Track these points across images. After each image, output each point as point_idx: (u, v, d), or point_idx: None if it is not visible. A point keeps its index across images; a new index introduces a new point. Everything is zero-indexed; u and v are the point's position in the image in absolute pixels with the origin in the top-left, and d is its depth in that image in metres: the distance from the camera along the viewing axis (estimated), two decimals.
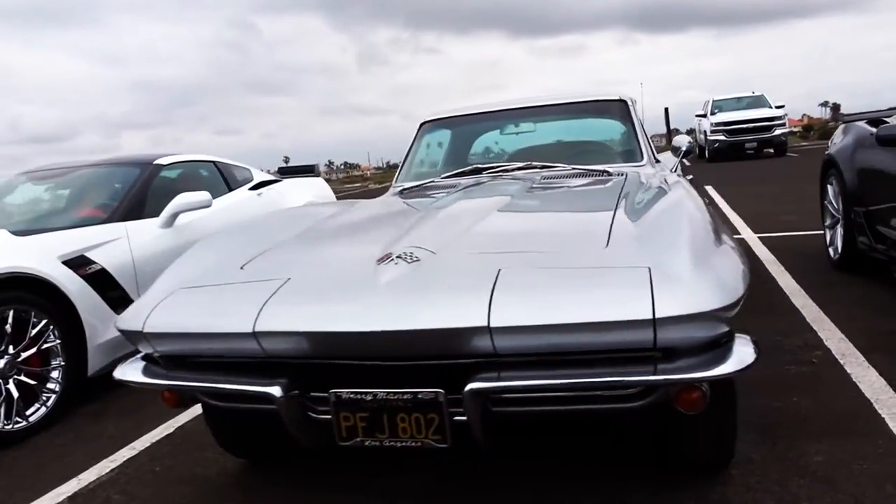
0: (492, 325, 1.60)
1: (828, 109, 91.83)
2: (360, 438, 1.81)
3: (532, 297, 1.65)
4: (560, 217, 2.41)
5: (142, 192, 4.17)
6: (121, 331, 2.00)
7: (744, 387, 2.73)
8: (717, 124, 17.88)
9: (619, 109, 3.48)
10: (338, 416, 1.80)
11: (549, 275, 1.73)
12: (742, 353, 1.70)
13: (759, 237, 6.27)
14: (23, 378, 3.13)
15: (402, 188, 3.34)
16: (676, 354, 1.64)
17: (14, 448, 2.98)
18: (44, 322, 3.20)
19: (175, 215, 4.11)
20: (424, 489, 2.29)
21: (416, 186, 3.29)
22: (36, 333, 3.17)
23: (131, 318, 1.97)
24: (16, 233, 3.60)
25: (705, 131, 18.69)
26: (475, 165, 3.30)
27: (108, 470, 2.66)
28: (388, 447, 1.81)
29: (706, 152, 18.74)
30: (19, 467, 2.79)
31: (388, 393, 1.75)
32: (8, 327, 3.08)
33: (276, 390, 1.77)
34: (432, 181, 3.30)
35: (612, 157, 3.38)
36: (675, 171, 3.47)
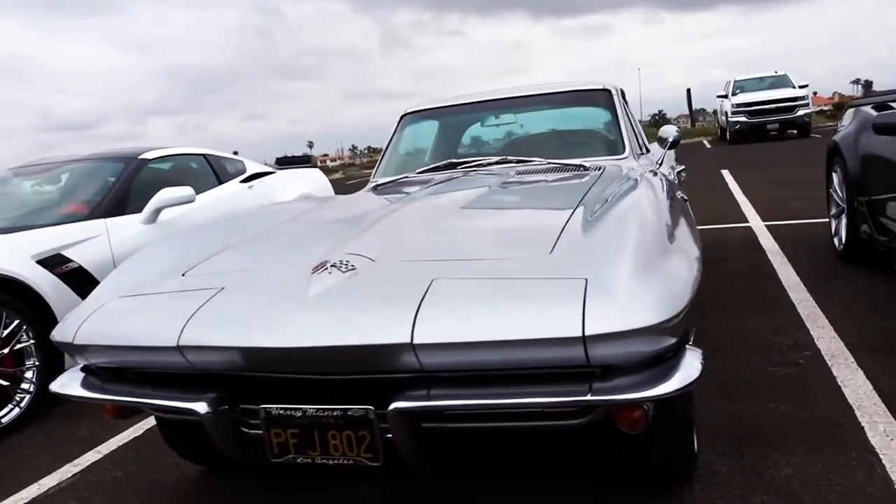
0: (415, 341, 1.52)
1: (859, 87, 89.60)
2: (291, 455, 1.75)
3: (459, 311, 1.56)
4: (515, 219, 2.31)
5: (125, 187, 4.14)
6: (54, 342, 1.95)
7: (722, 391, 2.65)
8: (739, 105, 17.44)
9: (602, 99, 3.35)
10: (269, 432, 1.74)
11: (481, 286, 1.64)
12: (689, 369, 1.60)
13: (767, 225, 6.09)
14: None
15: (376, 184, 3.26)
16: (614, 372, 1.54)
17: None
18: (16, 322, 3.19)
19: (158, 211, 4.08)
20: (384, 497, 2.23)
21: (391, 182, 3.21)
22: (8, 334, 3.16)
23: (64, 329, 1.92)
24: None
25: (726, 112, 18.28)
26: (450, 160, 3.20)
27: (69, 475, 2.64)
28: (320, 464, 1.75)
29: (727, 134, 18.34)
30: None
31: (318, 409, 1.69)
32: None
33: (201, 406, 1.71)
34: (406, 177, 3.21)
35: (594, 149, 3.25)
36: (661, 162, 3.33)
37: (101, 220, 3.84)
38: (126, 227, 3.91)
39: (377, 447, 1.67)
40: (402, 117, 3.69)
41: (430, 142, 3.65)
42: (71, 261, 3.53)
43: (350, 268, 1.80)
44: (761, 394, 2.64)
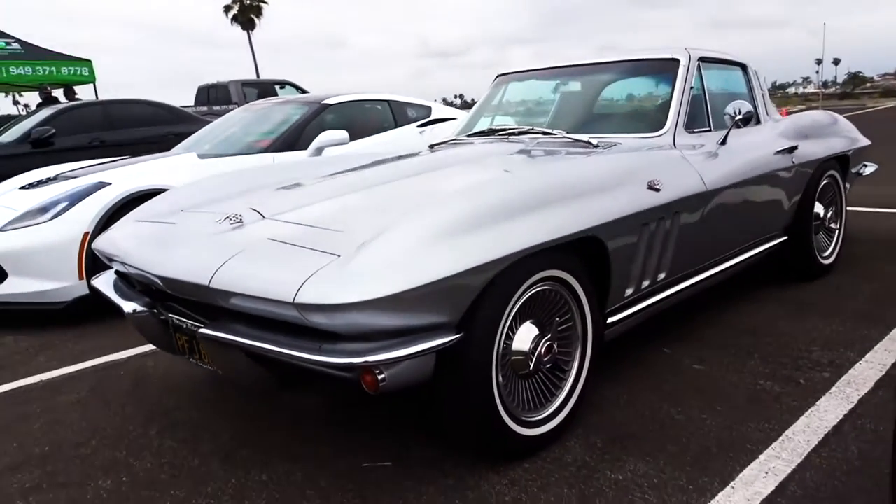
0: (211, 285, 1.96)
1: None
2: (187, 356, 2.33)
3: (245, 266, 1.95)
4: (418, 192, 2.41)
5: (300, 127, 5.00)
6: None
7: (679, 392, 2.59)
8: None
9: (667, 70, 3.14)
10: (174, 336, 2.33)
11: (275, 249, 2.00)
12: (418, 346, 1.80)
13: None
14: None
15: (433, 142, 3.56)
16: (342, 338, 1.81)
17: None
18: None
19: (320, 149, 4.86)
20: None
21: (443, 142, 3.49)
22: None
23: (97, 239, 2.73)
24: (201, 156, 4.74)
25: None
26: (490, 128, 3.36)
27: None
28: (206, 370, 2.31)
29: None
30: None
31: (192, 324, 2.22)
32: None
33: (129, 306, 2.37)
34: (455, 139, 3.47)
35: (631, 123, 3.10)
36: (723, 141, 3.06)
37: (270, 154, 4.76)
38: (288, 160, 4.77)
39: None
40: (495, 78, 3.87)
41: (502, 105, 3.77)
42: None
43: (237, 221, 2.28)
44: (713, 404, 2.47)
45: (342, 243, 1.91)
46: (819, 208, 3.79)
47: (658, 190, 2.54)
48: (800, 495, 1.90)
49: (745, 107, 3.01)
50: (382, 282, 1.73)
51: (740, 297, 3.64)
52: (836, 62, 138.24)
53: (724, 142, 3.06)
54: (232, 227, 2.25)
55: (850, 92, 65.86)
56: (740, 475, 2.02)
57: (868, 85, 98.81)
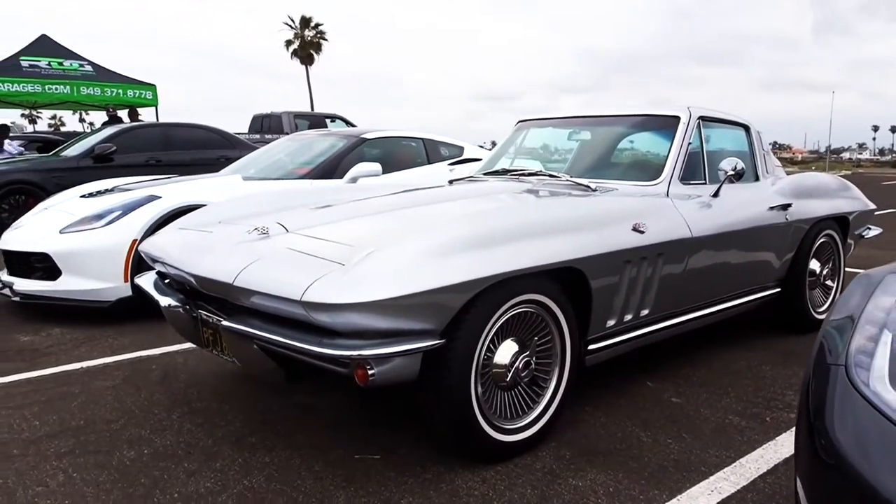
0: (235, 283, 2.28)
1: None
2: (211, 348, 2.65)
3: (264, 269, 2.26)
4: (426, 217, 2.69)
5: (338, 158, 5.39)
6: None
7: (653, 420, 2.79)
8: None
9: (668, 126, 3.41)
10: (201, 329, 2.66)
11: (289, 256, 2.31)
12: (397, 348, 2.07)
13: None
14: None
15: (453, 178, 3.88)
16: (340, 335, 2.10)
17: None
18: None
19: (354, 179, 5.23)
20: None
21: (461, 178, 3.81)
22: None
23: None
24: (245, 178, 5.15)
25: None
26: (504, 168, 3.67)
27: None
28: (227, 364, 2.62)
29: None
30: None
31: (217, 318, 2.54)
32: None
33: (165, 301, 2.71)
34: (472, 176, 3.78)
35: (630, 172, 3.38)
36: (716, 194, 3.30)
37: (308, 181, 5.14)
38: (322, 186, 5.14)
39: None
40: (516, 124, 4.19)
41: (520, 148, 4.08)
42: None
43: (264, 233, 2.61)
44: (681, 432, 2.68)
45: (349, 255, 2.21)
46: (815, 265, 3.98)
47: (642, 232, 2.79)
48: None
49: (739, 164, 3.26)
50: (377, 288, 2.03)
51: (731, 341, 3.84)
52: (894, 130, 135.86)
53: (716, 194, 3.30)
54: (259, 237, 2.58)
55: None
56: (688, 491, 2.23)
57: None
